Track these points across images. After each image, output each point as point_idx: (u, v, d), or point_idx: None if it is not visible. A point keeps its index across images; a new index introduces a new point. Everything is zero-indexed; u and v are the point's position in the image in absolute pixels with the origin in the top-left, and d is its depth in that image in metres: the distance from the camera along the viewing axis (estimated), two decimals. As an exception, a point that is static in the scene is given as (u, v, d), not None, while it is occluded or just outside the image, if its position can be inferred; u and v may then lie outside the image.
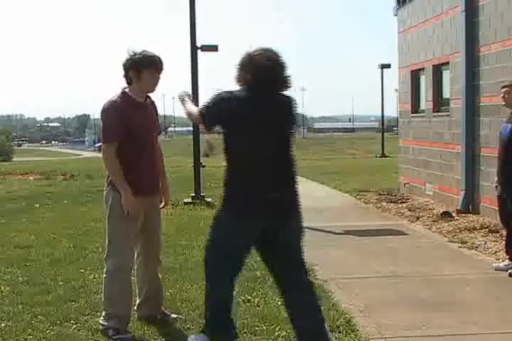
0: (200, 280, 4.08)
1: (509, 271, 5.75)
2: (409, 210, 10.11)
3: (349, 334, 4.16)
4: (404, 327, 4.33)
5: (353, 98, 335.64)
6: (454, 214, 9.22)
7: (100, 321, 4.25)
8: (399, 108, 13.50)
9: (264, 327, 4.23)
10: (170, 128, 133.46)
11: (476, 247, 7.07)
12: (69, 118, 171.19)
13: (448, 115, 10.47)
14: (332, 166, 22.52)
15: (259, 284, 5.30)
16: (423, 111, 11.80)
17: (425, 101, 11.67)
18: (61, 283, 5.52)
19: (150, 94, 4.31)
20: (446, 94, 10.79)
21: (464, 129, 9.59)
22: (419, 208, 10.27)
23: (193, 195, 11.29)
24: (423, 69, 11.68)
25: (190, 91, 4.19)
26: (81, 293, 5.18)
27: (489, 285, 5.53)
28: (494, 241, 7.25)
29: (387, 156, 28.39)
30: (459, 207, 9.53)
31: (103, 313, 4.25)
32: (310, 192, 13.33)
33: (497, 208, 6.21)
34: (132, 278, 4.33)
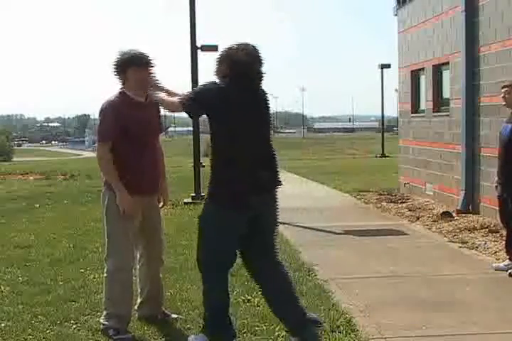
0: (200, 281, 4.08)
1: (509, 271, 5.75)
2: (410, 210, 10.11)
3: (349, 334, 4.16)
4: (404, 327, 4.33)
5: (353, 98, 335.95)
6: (454, 214, 9.22)
7: (101, 320, 4.25)
8: (399, 108, 13.50)
9: (264, 327, 4.23)
10: (170, 128, 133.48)
11: (476, 247, 7.06)
12: (69, 118, 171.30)
13: (448, 115, 10.47)
14: (332, 166, 22.52)
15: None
16: (423, 111, 11.80)
17: (425, 101, 11.67)
18: (61, 283, 5.52)
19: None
20: (446, 94, 10.79)
21: (464, 129, 9.59)
22: (419, 208, 10.27)
23: (193, 195, 11.30)
24: (423, 69, 11.68)
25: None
26: (81, 293, 5.18)
27: (489, 285, 5.53)
28: (494, 241, 7.24)
29: (387, 156, 28.40)
30: (459, 207, 9.53)
31: (104, 313, 4.26)
32: (310, 192, 13.37)
33: (497, 208, 6.20)
34: (134, 277, 4.33)
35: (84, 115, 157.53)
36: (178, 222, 9.00)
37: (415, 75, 12.24)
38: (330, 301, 4.89)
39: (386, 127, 40.92)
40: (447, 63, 10.48)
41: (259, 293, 4.92)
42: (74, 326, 4.37)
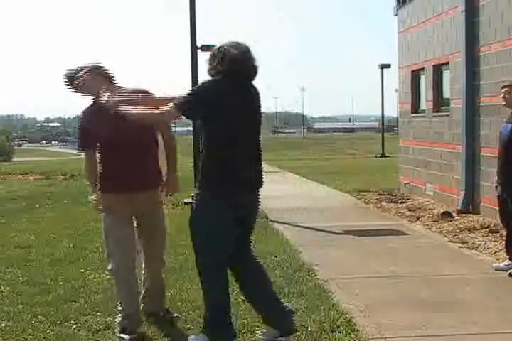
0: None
1: (509, 271, 5.75)
2: (410, 210, 10.11)
3: (349, 334, 4.16)
4: (404, 327, 4.33)
5: (353, 98, 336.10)
6: (454, 214, 9.22)
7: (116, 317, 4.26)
8: (399, 108, 13.51)
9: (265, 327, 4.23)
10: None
11: (476, 247, 7.06)
12: (69, 118, 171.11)
13: (448, 115, 10.47)
14: (332, 166, 22.52)
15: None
16: (423, 111, 11.80)
17: (425, 101, 11.67)
18: (61, 283, 5.52)
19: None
20: (446, 94, 10.79)
21: (464, 129, 9.59)
22: (419, 208, 10.27)
23: (193, 194, 11.27)
24: (423, 69, 11.68)
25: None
26: (81, 293, 5.18)
27: (489, 285, 5.53)
28: (494, 241, 7.25)
29: (387, 156, 28.38)
30: (459, 207, 9.53)
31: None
32: (310, 192, 13.37)
33: (497, 208, 6.20)
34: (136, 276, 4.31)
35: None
36: (178, 222, 8.97)
37: (415, 75, 12.24)
38: (330, 301, 4.90)
39: (386, 127, 40.95)
40: (447, 63, 10.48)
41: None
42: (74, 326, 4.37)
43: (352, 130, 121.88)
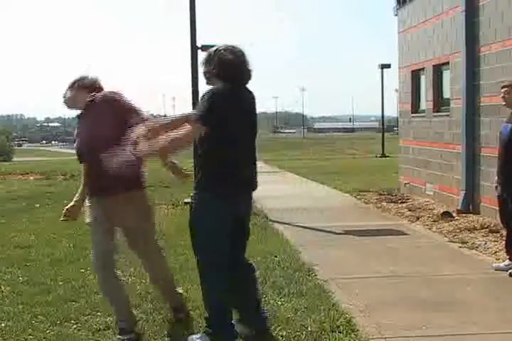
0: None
1: (509, 271, 5.75)
2: (410, 210, 10.11)
3: (349, 334, 4.16)
4: (404, 327, 4.33)
5: (353, 98, 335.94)
6: (454, 214, 9.23)
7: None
8: (399, 108, 13.51)
9: (265, 327, 4.23)
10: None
11: (477, 247, 7.07)
12: (69, 118, 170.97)
13: (448, 115, 10.47)
14: (332, 166, 22.51)
15: (259, 284, 5.29)
16: (423, 111, 11.80)
17: (425, 101, 11.67)
18: (61, 283, 5.52)
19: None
20: (446, 94, 10.79)
21: (464, 129, 9.60)
22: (419, 208, 10.27)
23: (192, 194, 11.27)
24: (423, 69, 11.68)
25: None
26: (81, 293, 5.18)
27: (489, 285, 5.53)
28: (494, 241, 7.25)
29: (388, 156, 28.38)
30: (459, 207, 9.53)
31: None
32: (310, 192, 13.36)
33: (497, 208, 6.20)
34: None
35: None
36: (178, 221, 9.00)
37: (415, 75, 12.24)
38: (330, 301, 4.90)
39: (386, 127, 40.91)
40: (447, 63, 10.48)
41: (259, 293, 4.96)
42: (74, 326, 4.37)
43: (352, 130, 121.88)
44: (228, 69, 3.79)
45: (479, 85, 9.23)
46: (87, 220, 4.23)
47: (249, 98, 3.95)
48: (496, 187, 5.98)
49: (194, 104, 11.39)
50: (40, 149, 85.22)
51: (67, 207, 4.24)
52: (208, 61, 3.88)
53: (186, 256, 6.38)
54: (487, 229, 7.92)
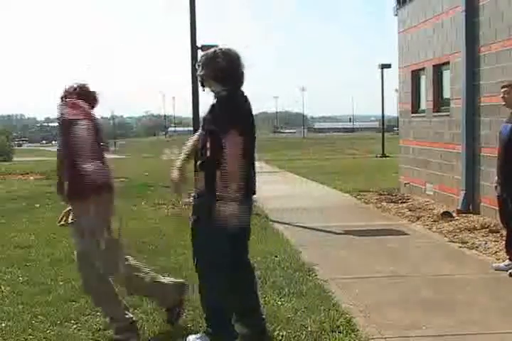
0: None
1: (509, 271, 5.75)
2: (410, 210, 10.11)
3: (349, 334, 4.16)
4: (404, 327, 4.33)
5: (353, 98, 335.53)
6: (454, 214, 9.23)
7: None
8: (399, 108, 13.51)
9: (265, 327, 4.23)
10: (170, 128, 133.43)
11: (477, 247, 7.07)
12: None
13: (448, 115, 10.47)
14: (332, 166, 22.51)
15: (259, 284, 5.29)
16: (423, 111, 11.80)
17: (425, 101, 11.67)
18: (61, 283, 5.52)
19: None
20: (446, 94, 10.79)
21: (464, 129, 9.60)
22: (419, 208, 10.27)
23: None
24: (423, 69, 11.68)
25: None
26: (81, 293, 5.15)
27: (489, 285, 5.53)
28: (494, 241, 7.25)
29: (388, 156, 28.39)
30: (459, 207, 9.53)
31: None
32: (310, 192, 13.36)
33: (497, 208, 6.20)
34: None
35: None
36: (178, 221, 9.01)
37: (415, 75, 12.24)
38: (330, 301, 4.90)
39: (386, 127, 40.91)
40: (447, 63, 10.48)
41: (259, 293, 4.96)
42: (74, 326, 4.37)
43: (352, 130, 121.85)
44: (225, 73, 3.83)
45: (479, 85, 9.23)
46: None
47: (248, 101, 3.98)
48: (496, 187, 5.98)
49: (194, 103, 11.40)
50: (40, 149, 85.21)
51: (64, 211, 4.23)
52: (204, 64, 3.91)
53: (186, 256, 6.38)
54: (487, 229, 7.93)
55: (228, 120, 3.74)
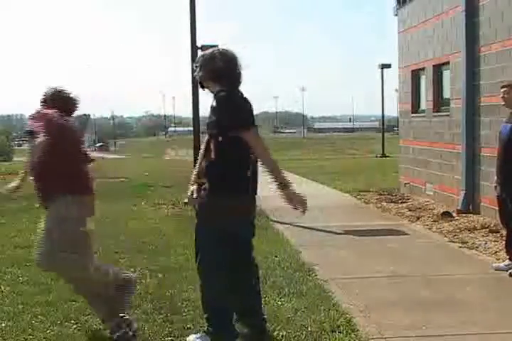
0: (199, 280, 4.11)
1: (509, 271, 5.75)
2: (410, 210, 10.11)
3: (349, 334, 4.16)
4: (404, 327, 4.33)
5: (353, 98, 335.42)
6: (454, 214, 9.23)
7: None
8: (399, 108, 13.51)
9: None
10: (170, 128, 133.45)
11: (477, 247, 7.07)
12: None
13: (448, 115, 10.47)
14: (332, 166, 22.53)
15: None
16: (423, 111, 11.80)
17: (425, 101, 11.68)
18: (61, 283, 5.51)
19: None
20: (446, 94, 10.79)
21: (464, 129, 9.60)
22: (419, 208, 10.27)
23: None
24: (423, 69, 11.68)
25: None
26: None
27: (489, 285, 5.53)
28: (494, 241, 7.25)
29: (388, 156, 28.41)
30: (459, 207, 9.53)
31: None
32: (310, 192, 13.26)
33: (497, 208, 6.20)
34: None
35: (85, 115, 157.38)
36: (178, 221, 9.01)
37: (415, 75, 12.25)
38: (330, 301, 4.90)
39: (386, 127, 40.94)
40: (447, 63, 10.48)
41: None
42: (74, 326, 4.37)
43: (352, 130, 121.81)
44: (223, 73, 3.87)
45: (479, 85, 9.23)
46: None
47: (248, 101, 4.00)
48: (495, 187, 5.98)
49: (194, 103, 11.39)
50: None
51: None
52: (202, 65, 3.95)
53: (186, 256, 6.39)
54: (487, 229, 7.92)
55: (238, 120, 3.77)
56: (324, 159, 30.76)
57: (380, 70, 29.49)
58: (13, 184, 4.05)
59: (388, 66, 28.85)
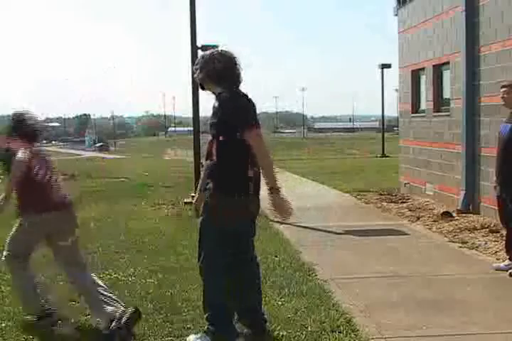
0: (200, 280, 4.11)
1: (509, 271, 5.75)
2: (410, 210, 10.11)
3: (349, 334, 4.16)
4: (404, 327, 4.33)
5: (353, 98, 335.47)
6: (454, 214, 9.22)
7: None
8: (399, 108, 13.51)
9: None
10: (170, 128, 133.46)
11: (477, 247, 7.06)
12: (69, 118, 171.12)
13: (448, 115, 10.47)
14: (332, 166, 22.53)
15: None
16: (423, 111, 11.80)
17: (425, 101, 11.67)
18: (61, 283, 5.51)
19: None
20: (446, 94, 10.79)
21: (464, 129, 9.60)
22: (419, 208, 10.27)
23: (193, 194, 11.28)
24: (423, 69, 11.68)
25: None
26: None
27: (489, 285, 5.53)
28: (494, 241, 7.24)
29: (388, 156, 28.41)
30: (459, 207, 9.53)
31: None
32: (310, 192, 13.37)
33: (497, 208, 6.20)
34: None
35: (85, 115, 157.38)
36: (178, 221, 9.02)
37: (415, 75, 12.25)
38: (330, 301, 4.90)
39: (386, 127, 40.96)
40: (447, 63, 10.48)
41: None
42: (74, 326, 4.36)
43: (352, 130, 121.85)
44: (222, 74, 3.89)
45: (479, 85, 9.23)
46: None
47: (251, 100, 4.00)
48: (495, 187, 5.97)
49: (194, 103, 11.39)
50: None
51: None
52: (202, 67, 3.96)
53: (186, 255, 6.39)
54: (487, 229, 7.92)
55: (243, 119, 3.79)
56: (324, 159, 30.76)
57: (380, 70, 29.52)
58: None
59: (388, 66, 28.87)
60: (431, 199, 11.01)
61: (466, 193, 9.52)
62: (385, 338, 4.14)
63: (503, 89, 5.87)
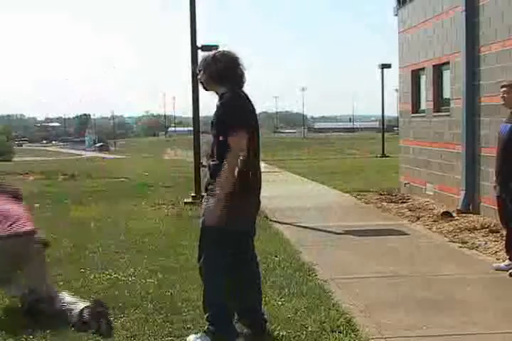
0: (200, 280, 4.11)
1: (509, 271, 5.75)
2: (410, 210, 10.11)
3: (349, 334, 4.16)
4: (404, 327, 4.33)
5: (353, 98, 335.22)
6: (454, 214, 9.22)
7: None
8: (399, 108, 13.51)
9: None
10: (170, 128, 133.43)
11: (477, 247, 7.06)
12: (69, 118, 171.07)
13: (448, 115, 10.47)
14: (332, 166, 22.52)
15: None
16: (423, 111, 11.80)
17: (425, 101, 11.67)
18: (61, 283, 5.51)
19: None
20: (446, 94, 10.79)
21: (464, 129, 9.60)
22: (419, 208, 10.27)
23: (193, 194, 11.29)
24: (423, 69, 11.68)
25: None
26: (81, 293, 5.17)
27: (489, 285, 5.53)
28: (494, 241, 7.24)
29: (388, 156, 28.40)
30: (459, 207, 9.53)
31: None
32: (310, 192, 13.37)
33: (497, 208, 6.20)
34: None
35: (85, 115, 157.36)
36: (178, 221, 9.02)
37: (415, 75, 12.25)
38: (330, 301, 4.90)
39: (386, 127, 40.91)
40: (447, 63, 10.48)
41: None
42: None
43: (352, 130, 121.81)
44: (225, 75, 3.89)
45: (479, 85, 9.23)
46: None
47: (250, 100, 4.02)
48: (495, 187, 5.97)
49: (194, 103, 11.39)
50: (40, 149, 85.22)
51: None
52: (205, 68, 3.97)
53: (186, 256, 6.39)
54: (487, 229, 7.92)
55: (234, 120, 3.79)
56: (324, 159, 30.75)
57: (380, 70, 29.51)
58: None
59: (388, 66, 28.86)
60: (431, 199, 11.01)
61: (466, 193, 9.52)
62: (385, 338, 4.14)
63: (503, 89, 5.87)
